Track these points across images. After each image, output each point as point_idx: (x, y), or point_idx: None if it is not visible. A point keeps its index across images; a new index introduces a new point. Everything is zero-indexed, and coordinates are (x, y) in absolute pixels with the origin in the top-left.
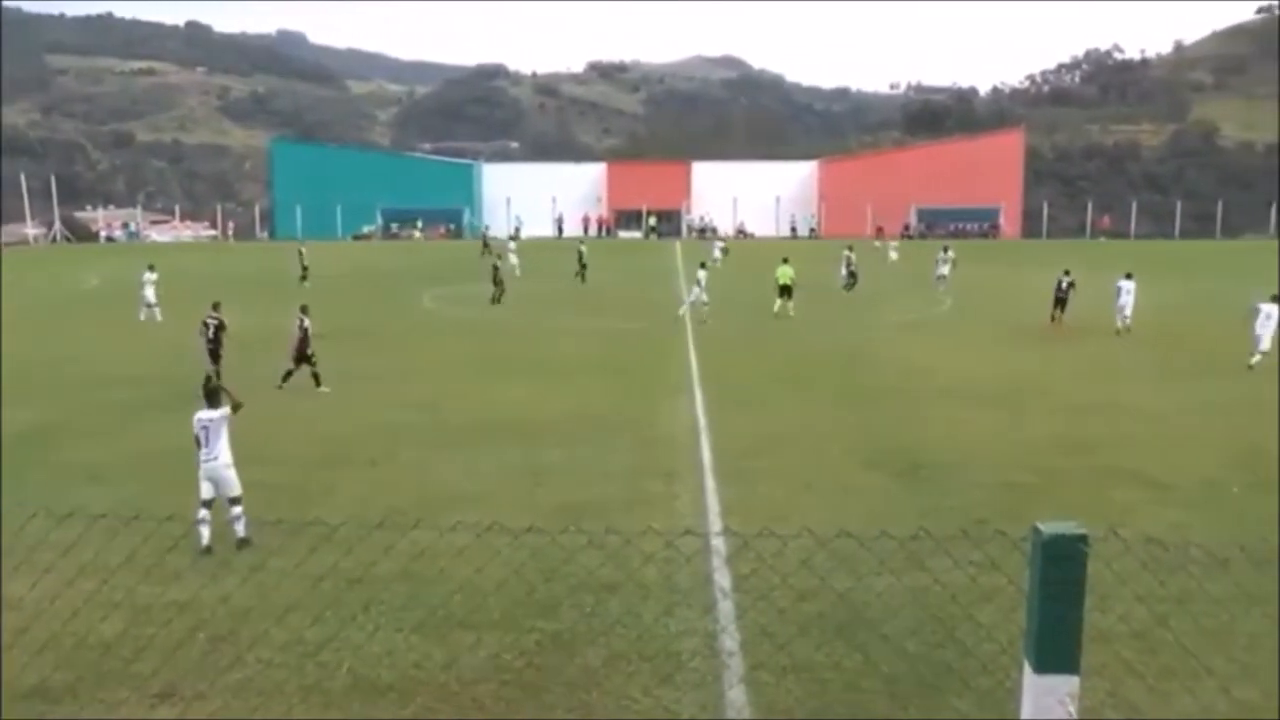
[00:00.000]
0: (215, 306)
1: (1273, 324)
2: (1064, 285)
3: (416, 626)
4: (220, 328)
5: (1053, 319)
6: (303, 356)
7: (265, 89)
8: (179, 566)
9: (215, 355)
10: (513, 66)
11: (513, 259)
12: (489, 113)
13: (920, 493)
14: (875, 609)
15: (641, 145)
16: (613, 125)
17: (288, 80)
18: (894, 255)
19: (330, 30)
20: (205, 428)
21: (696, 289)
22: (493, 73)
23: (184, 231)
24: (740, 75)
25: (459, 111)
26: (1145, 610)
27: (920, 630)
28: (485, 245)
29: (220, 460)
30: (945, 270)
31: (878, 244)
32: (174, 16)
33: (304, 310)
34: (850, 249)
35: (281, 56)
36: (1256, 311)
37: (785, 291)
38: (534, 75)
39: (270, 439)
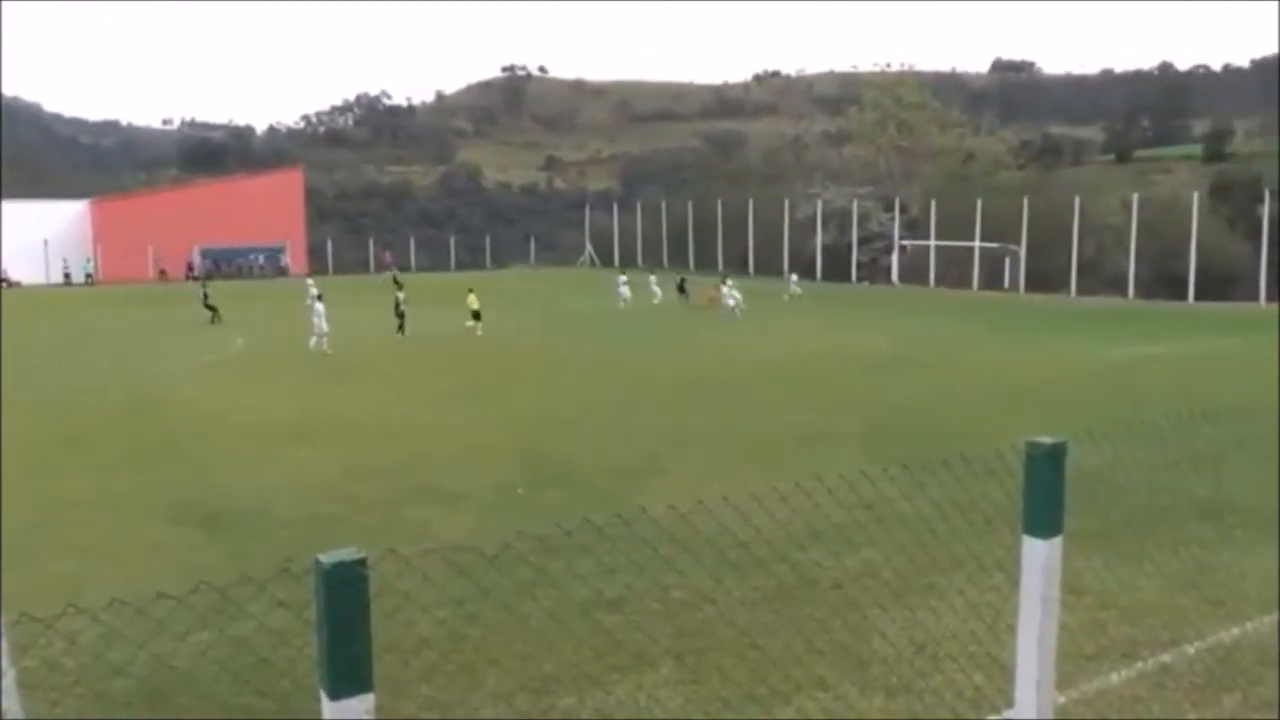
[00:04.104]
0: None
1: (656, 288)
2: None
3: None
4: None
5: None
6: None
7: None
8: None
9: None
10: None
11: None
12: None
13: (225, 540)
14: (177, 673)
15: None
16: None
17: None
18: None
19: None
20: None
21: (318, 320)
22: None
23: None
24: None
25: None
26: (432, 617)
27: (223, 683)
28: None
29: None
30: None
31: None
32: None
33: None
34: (400, 287)
35: None
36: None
37: (476, 316)
38: None
39: None
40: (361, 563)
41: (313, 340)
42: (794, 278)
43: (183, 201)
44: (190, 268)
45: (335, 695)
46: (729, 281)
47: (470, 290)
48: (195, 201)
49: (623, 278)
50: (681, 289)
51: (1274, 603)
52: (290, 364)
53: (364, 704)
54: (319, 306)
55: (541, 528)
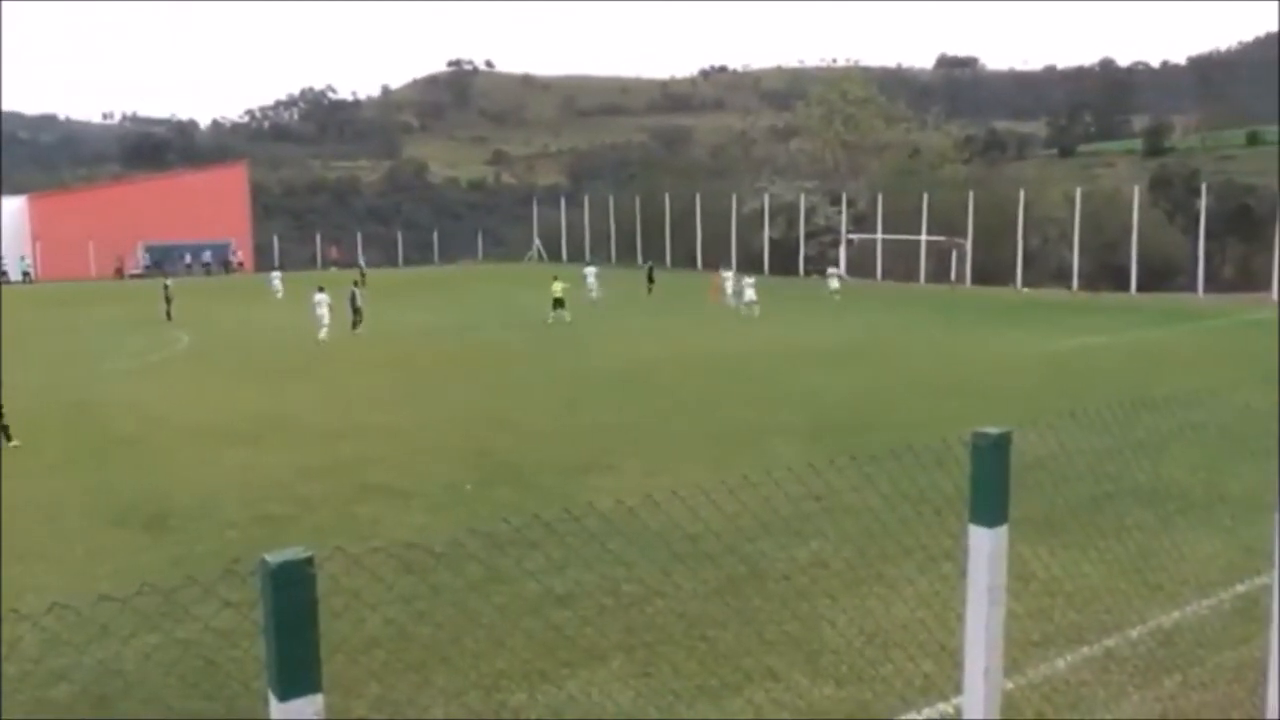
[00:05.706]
0: None
1: (593, 279)
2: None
3: None
4: None
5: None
6: None
7: None
8: None
9: None
10: None
11: None
12: None
13: (171, 542)
14: (122, 677)
15: None
16: None
17: None
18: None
19: None
20: None
21: (322, 312)
22: None
23: None
24: None
25: None
26: (381, 615)
27: (169, 686)
28: None
29: None
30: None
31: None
32: None
33: None
34: (355, 284)
35: None
36: (584, 275)
37: (559, 304)
38: None
39: None
40: (309, 562)
41: (322, 332)
42: (836, 272)
43: (124, 197)
44: (119, 268)
45: (284, 696)
46: (751, 278)
47: (555, 278)
48: (138, 197)
49: (591, 269)
50: (650, 279)
51: (1210, 586)
52: (237, 361)
53: (313, 705)
54: (319, 297)
55: (491, 524)
